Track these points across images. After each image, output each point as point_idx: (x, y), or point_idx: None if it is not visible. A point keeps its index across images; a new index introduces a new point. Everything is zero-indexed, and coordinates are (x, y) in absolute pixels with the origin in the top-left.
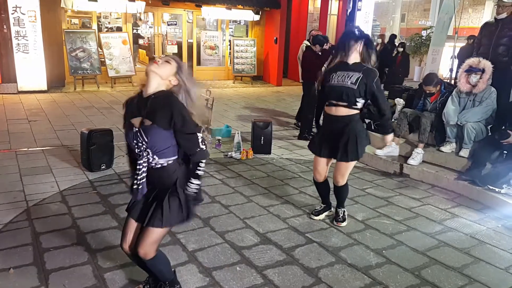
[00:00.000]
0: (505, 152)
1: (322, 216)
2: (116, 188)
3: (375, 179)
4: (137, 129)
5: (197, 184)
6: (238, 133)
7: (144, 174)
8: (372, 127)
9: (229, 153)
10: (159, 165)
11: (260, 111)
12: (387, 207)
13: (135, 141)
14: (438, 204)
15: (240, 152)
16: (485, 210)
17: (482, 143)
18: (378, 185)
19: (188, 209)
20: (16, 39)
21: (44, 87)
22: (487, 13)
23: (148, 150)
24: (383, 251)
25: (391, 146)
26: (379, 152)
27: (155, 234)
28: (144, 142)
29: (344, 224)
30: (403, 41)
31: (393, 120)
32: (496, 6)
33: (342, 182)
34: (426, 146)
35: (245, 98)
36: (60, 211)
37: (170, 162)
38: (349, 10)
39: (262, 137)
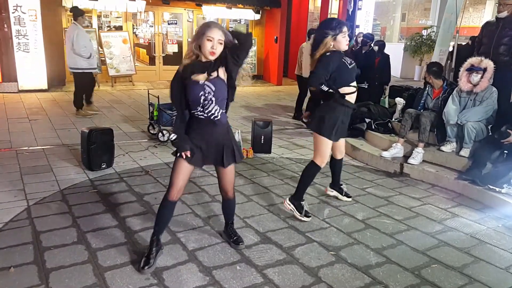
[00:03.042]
0: (505, 151)
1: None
2: (116, 187)
3: (375, 179)
4: (203, 82)
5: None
6: (238, 133)
7: (217, 110)
8: (373, 126)
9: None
10: (222, 113)
11: (260, 110)
12: (387, 207)
13: (202, 92)
14: (438, 204)
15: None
16: (486, 209)
17: (482, 143)
18: (378, 184)
19: (239, 150)
20: (16, 38)
21: (45, 86)
22: (487, 13)
23: (213, 98)
24: (383, 251)
25: (396, 147)
26: (385, 154)
27: (233, 171)
28: (212, 91)
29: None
30: (379, 38)
31: (394, 119)
32: (497, 4)
33: None
34: (427, 145)
35: (245, 97)
36: (60, 210)
37: (223, 112)
38: (350, 10)
39: (262, 136)
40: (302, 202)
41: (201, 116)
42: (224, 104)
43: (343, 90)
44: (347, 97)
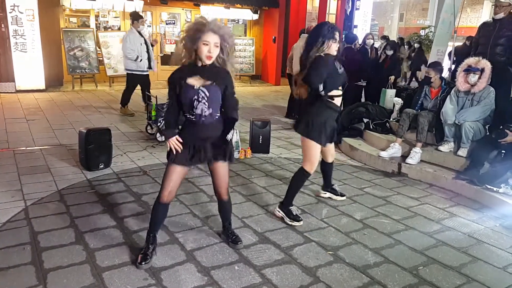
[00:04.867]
0: (503, 151)
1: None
2: (114, 187)
3: (373, 179)
4: (198, 87)
5: (232, 134)
6: (236, 133)
7: (210, 114)
8: (371, 126)
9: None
10: (216, 117)
11: (258, 110)
12: (385, 206)
13: (196, 97)
14: (436, 203)
15: (239, 151)
16: (483, 209)
17: (480, 143)
18: (376, 184)
19: (231, 153)
20: (14, 38)
21: (42, 86)
22: (485, 13)
23: (207, 103)
24: (381, 250)
25: (394, 147)
26: (383, 153)
27: (226, 172)
28: (205, 96)
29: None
30: (393, 39)
31: (392, 119)
32: (493, 6)
33: None
34: (424, 145)
35: (243, 97)
36: (58, 210)
37: (219, 115)
38: (348, 10)
39: (261, 136)
40: (291, 208)
41: (194, 119)
42: (218, 108)
43: (331, 93)
44: (335, 100)
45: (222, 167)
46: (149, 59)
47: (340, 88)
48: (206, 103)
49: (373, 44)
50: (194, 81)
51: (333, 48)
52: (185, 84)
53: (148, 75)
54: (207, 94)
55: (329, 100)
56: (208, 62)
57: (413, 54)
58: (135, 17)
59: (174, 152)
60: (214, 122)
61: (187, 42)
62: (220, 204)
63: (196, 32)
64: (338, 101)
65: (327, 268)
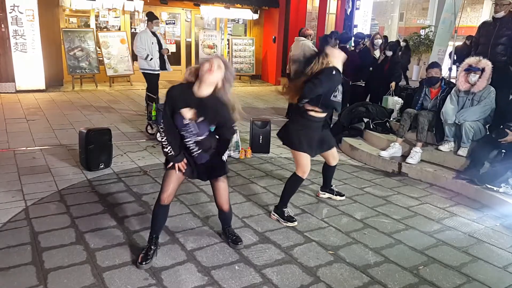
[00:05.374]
0: (503, 151)
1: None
2: (114, 187)
3: (373, 178)
4: (188, 122)
5: (227, 154)
6: (236, 132)
7: (196, 148)
8: (371, 126)
9: (228, 153)
10: (206, 135)
11: (258, 110)
12: (386, 206)
13: (184, 128)
14: (437, 203)
15: (239, 151)
16: (483, 209)
17: (480, 142)
18: (377, 184)
19: (225, 165)
20: (14, 38)
21: (42, 86)
22: (485, 12)
23: (195, 134)
24: (382, 250)
25: (395, 147)
26: (383, 153)
27: (225, 187)
28: (195, 130)
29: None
30: (396, 39)
31: (392, 119)
32: (494, 4)
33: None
34: (425, 145)
35: (243, 97)
36: (58, 210)
37: (208, 132)
38: (348, 10)
39: (261, 136)
40: (284, 209)
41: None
42: (206, 133)
43: (312, 108)
44: (313, 113)
45: (221, 181)
46: (162, 59)
47: (321, 109)
48: (195, 134)
49: (382, 43)
50: (187, 113)
51: (335, 54)
52: (178, 113)
53: (158, 74)
54: (197, 130)
55: (306, 111)
56: (208, 82)
57: (400, 53)
58: (150, 18)
59: (177, 171)
60: (204, 139)
61: (194, 72)
62: (221, 214)
63: (203, 70)
64: (319, 114)
65: (328, 268)
